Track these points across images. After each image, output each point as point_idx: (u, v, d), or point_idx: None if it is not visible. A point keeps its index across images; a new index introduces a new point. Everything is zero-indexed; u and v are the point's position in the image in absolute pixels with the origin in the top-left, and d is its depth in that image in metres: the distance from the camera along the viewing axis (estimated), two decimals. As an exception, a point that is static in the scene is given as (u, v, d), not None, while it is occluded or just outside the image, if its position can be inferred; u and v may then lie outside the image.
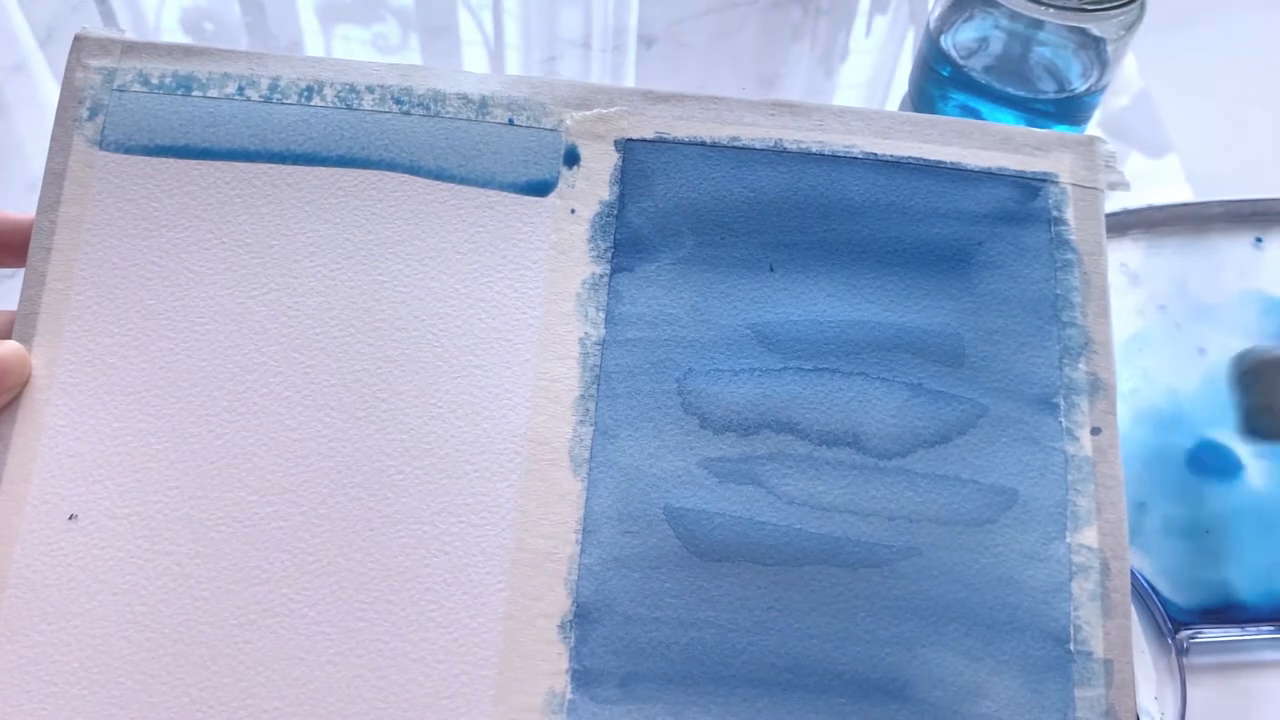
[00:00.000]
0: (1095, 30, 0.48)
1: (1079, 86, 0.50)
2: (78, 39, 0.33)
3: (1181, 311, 0.49)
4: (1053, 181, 0.33)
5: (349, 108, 0.33)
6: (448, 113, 0.33)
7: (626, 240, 0.32)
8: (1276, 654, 0.42)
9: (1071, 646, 0.29)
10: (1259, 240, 0.51)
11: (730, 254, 0.32)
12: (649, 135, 0.33)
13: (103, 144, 0.32)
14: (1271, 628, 0.41)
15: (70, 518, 0.29)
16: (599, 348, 0.31)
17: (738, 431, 0.31)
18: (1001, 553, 0.30)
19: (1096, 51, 0.49)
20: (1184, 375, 0.47)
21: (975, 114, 0.50)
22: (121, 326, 0.31)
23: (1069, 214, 0.33)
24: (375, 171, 0.32)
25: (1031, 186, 0.33)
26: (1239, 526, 0.43)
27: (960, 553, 0.30)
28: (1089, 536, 0.30)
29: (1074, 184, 0.33)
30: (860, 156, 0.33)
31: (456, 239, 0.32)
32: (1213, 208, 0.51)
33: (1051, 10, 0.46)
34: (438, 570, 0.29)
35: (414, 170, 0.32)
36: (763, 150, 0.33)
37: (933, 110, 0.52)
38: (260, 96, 0.33)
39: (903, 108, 0.56)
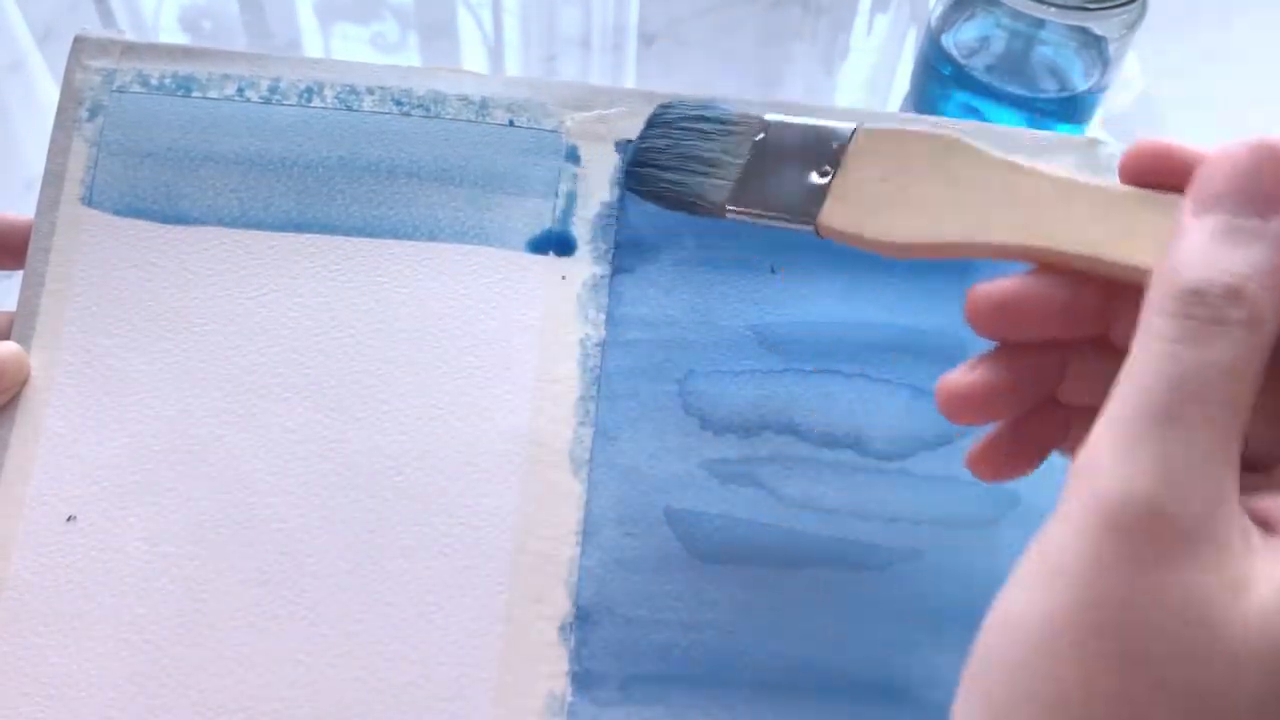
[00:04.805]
0: (1097, 29, 0.48)
1: (1081, 86, 0.49)
2: (77, 40, 0.33)
3: (1183, 311, 0.49)
4: (1055, 182, 0.33)
5: (349, 109, 0.33)
6: (448, 114, 0.33)
7: (627, 241, 0.32)
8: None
9: (1073, 649, 0.29)
10: (1261, 240, 0.51)
11: (731, 255, 0.32)
12: (650, 136, 0.33)
13: (102, 145, 0.32)
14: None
15: (69, 519, 0.29)
16: (599, 349, 0.31)
17: (739, 433, 0.31)
18: (1004, 554, 0.30)
19: (1098, 50, 0.49)
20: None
21: (977, 113, 0.50)
22: (121, 327, 0.31)
23: (1071, 215, 0.33)
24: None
25: (1033, 187, 0.33)
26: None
27: (962, 555, 0.30)
28: (1091, 539, 0.30)
29: (1076, 185, 0.33)
30: (862, 157, 0.33)
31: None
32: (1214, 207, 0.51)
33: (1053, 9, 0.45)
34: (437, 572, 0.29)
35: (414, 173, 0.32)
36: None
37: (934, 110, 0.52)
38: (260, 98, 0.33)
39: (904, 107, 0.56)
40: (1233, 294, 0.17)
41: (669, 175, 0.26)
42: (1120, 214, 0.20)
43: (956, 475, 0.31)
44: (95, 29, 0.33)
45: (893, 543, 0.30)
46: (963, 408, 0.22)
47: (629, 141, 0.33)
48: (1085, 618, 0.16)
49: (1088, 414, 0.22)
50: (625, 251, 0.32)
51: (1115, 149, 0.33)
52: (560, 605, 0.29)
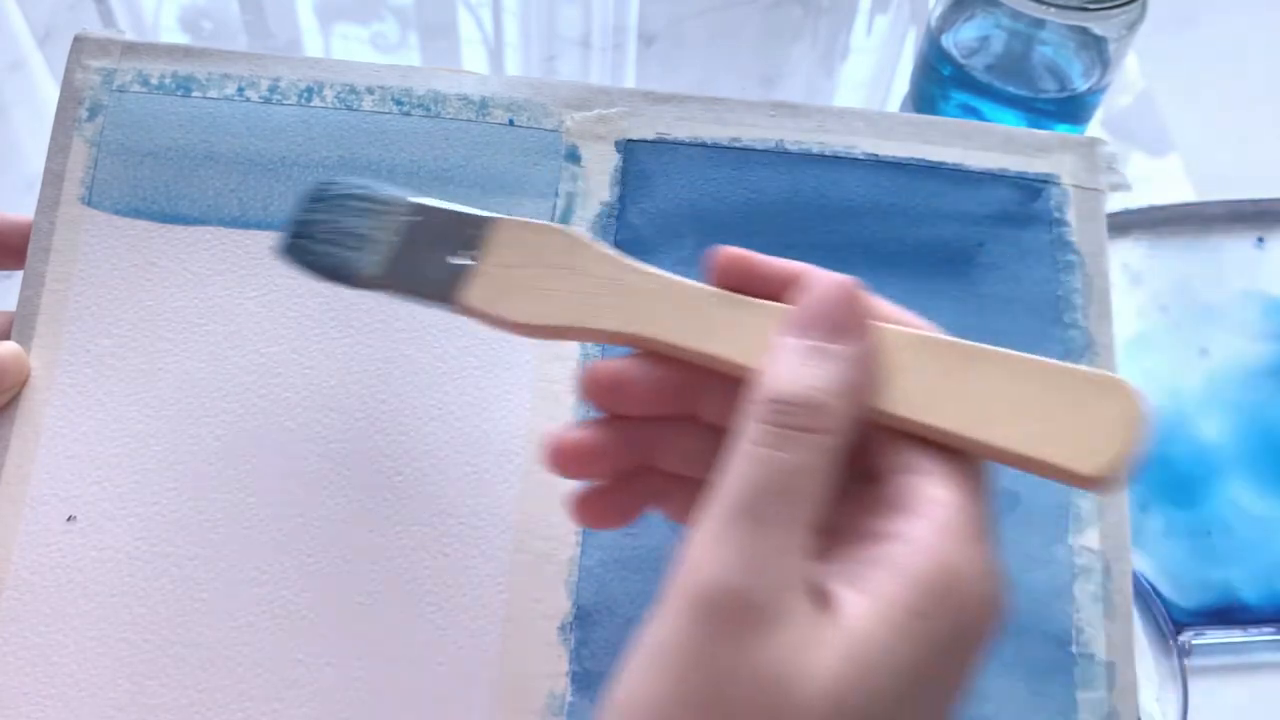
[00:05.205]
0: (1097, 29, 0.48)
1: (1080, 86, 0.49)
2: (77, 40, 0.33)
3: (1183, 312, 0.49)
4: (1054, 183, 0.33)
5: (349, 108, 0.33)
6: (448, 114, 0.33)
7: (627, 241, 0.32)
8: (1279, 656, 0.42)
9: (1074, 649, 0.29)
10: (1261, 240, 0.51)
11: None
12: (649, 136, 0.33)
13: (102, 145, 0.32)
14: (1274, 629, 0.41)
15: (69, 519, 0.29)
16: (600, 349, 0.31)
17: (739, 433, 0.31)
18: (1003, 555, 0.30)
19: (1098, 51, 0.49)
20: (1186, 376, 0.47)
21: (976, 113, 0.50)
22: (121, 327, 0.31)
23: (1070, 215, 0.33)
24: None
25: (1033, 188, 0.33)
26: (1241, 528, 0.43)
27: (962, 555, 0.30)
28: (1091, 538, 0.30)
29: (1075, 185, 0.33)
30: (862, 157, 0.33)
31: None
32: (1214, 208, 0.51)
33: (1053, 9, 0.45)
34: (437, 572, 0.29)
35: (414, 173, 0.32)
36: (764, 151, 0.33)
37: (934, 110, 0.52)
38: (260, 97, 0.33)
39: (904, 107, 0.56)
40: (812, 405, 0.20)
41: (325, 248, 0.28)
42: (703, 310, 0.24)
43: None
44: (95, 29, 0.33)
45: (893, 543, 0.30)
46: (564, 462, 0.25)
47: (630, 141, 0.33)
48: (681, 696, 0.19)
49: (683, 482, 0.25)
50: (625, 251, 0.32)
51: (1115, 149, 0.33)
52: (560, 605, 0.29)
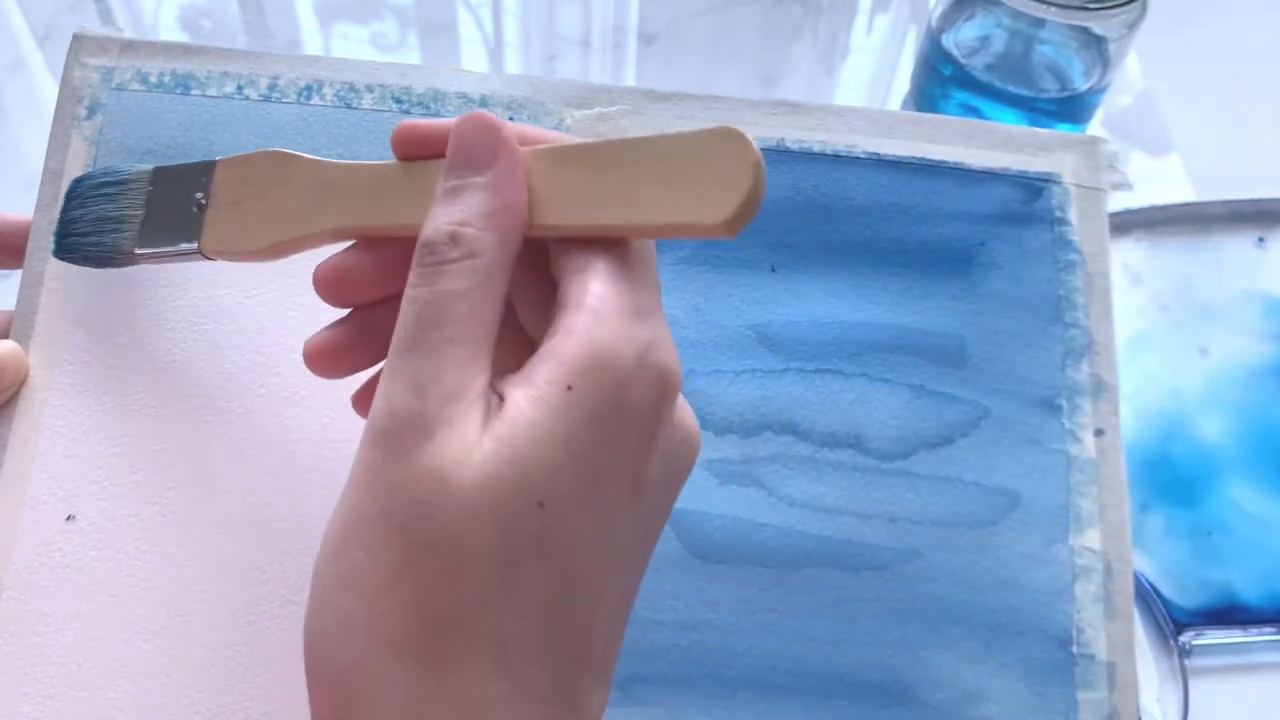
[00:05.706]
0: (1097, 29, 0.48)
1: (1081, 85, 0.49)
2: (76, 38, 0.33)
3: (1183, 312, 0.49)
4: (1055, 182, 0.33)
5: (348, 107, 0.33)
6: (447, 112, 0.33)
7: (627, 240, 0.32)
8: (1279, 656, 0.41)
9: (1074, 649, 0.29)
10: (1261, 240, 0.51)
11: (732, 254, 0.32)
12: (650, 135, 0.33)
13: (101, 143, 0.32)
14: (1274, 630, 0.41)
15: (68, 519, 0.29)
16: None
17: (739, 433, 0.31)
18: (1004, 555, 0.30)
19: (1099, 50, 0.49)
20: (1186, 375, 0.47)
21: (977, 113, 0.50)
22: (120, 326, 0.31)
23: (1072, 214, 0.33)
24: None
25: (1034, 187, 0.33)
26: (1241, 528, 0.43)
27: (962, 555, 0.30)
28: (1091, 538, 0.30)
29: (1076, 184, 0.33)
30: (862, 156, 0.33)
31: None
32: (1215, 208, 0.51)
33: (1053, 9, 0.45)
34: (438, 572, 0.29)
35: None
36: (764, 150, 0.33)
37: (934, 109, 0.52)
38: (259, 96, 0.33)
39: (904, 106, 0.56)
40: (452, 238, 0.22)
41: (89, 239, 0.29)
42: (388, 187, 0.25)
43: (956, 475, 0.31)
44: (94, 27, 0.33)
45: (893, 543, 0.30)
46: (319, 364, 0.26)
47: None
48: (360, 512, 0.21)
49: None
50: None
51: (1116, 147, 0.33)
52: (560, 605, 0.29)
